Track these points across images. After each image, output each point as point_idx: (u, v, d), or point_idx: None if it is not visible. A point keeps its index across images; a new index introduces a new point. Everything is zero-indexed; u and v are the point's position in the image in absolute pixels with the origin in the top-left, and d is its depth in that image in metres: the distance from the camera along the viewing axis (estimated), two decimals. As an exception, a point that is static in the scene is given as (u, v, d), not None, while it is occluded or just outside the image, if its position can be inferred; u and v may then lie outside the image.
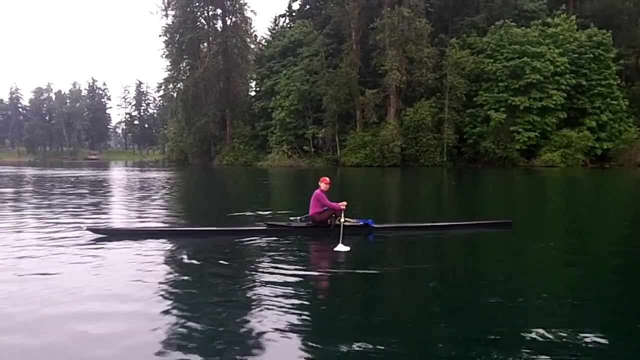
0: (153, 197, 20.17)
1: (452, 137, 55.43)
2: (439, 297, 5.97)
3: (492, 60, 54.84)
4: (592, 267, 7.71)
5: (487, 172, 42.65)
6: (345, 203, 9.85)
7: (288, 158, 61.33)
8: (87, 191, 22.95)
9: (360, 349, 4.21)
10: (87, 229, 9.80)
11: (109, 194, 22.69)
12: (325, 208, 9.87)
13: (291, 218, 10.60)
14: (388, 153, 54.84)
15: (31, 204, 16.80)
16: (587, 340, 4.41)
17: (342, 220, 9.47)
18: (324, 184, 10.06)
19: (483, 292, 6.05)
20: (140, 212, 14.45)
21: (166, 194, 22.90)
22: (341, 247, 8.25)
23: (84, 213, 13.77)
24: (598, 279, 7.02)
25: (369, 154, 56.28)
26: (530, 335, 4.47)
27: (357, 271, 7.09)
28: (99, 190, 24.38)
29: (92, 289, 5.98)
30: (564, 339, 4.41)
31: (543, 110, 52.48)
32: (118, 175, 43.15)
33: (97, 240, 9.14)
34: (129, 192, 23.16)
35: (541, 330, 4.54)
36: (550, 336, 4.44)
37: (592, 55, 53.94)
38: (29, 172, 47.24)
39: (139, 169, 60.00)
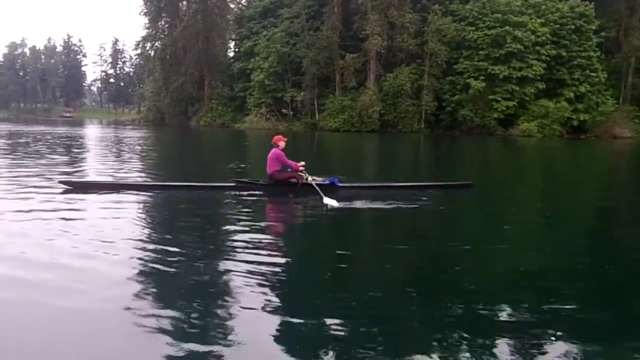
0: (129, 155, 20.05)
1: (430, 104, 55.44)
2: (403, 262, 5.90)
3: (473, 28, 54.56)
4: (557, 233, 7.95)
5: (464, 140, 42.93)
6: (303, 163, 9.98)
7: (266, 121, 60.76)
8: (62, 147, 22.68)
9: (325, 321, 3.99)
10: (60, 182, 9.78)
11: (84, 150, 22.47)
12: (288, 169, 9.93)
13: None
14: (367, 118, 54.72)
15: (3, 157, 16.58)
16: (556, 308, 4.36)
17: (310, 178, 9.67)
18: (282, 142, 10.09)
19: (445, 258, 6.13)
20: (114, 169, 14.41)
21: (142, 152, 22.75)
22: (330, 201, 8.53)
23: (57, 168, 13.67)
24: (563, 243, 7.22)
25: (348, 118, 56.09)
26: (496, 304, 4.38)
27: (322, 231, 7.17)
28: (74, 146, 24.11)
29: (59, 244, 5.83)
30: (530, 309, 4.36)
31: (522, 80, 52.66)
32: (94, 133, 42.54)
33: (68, 193, 9.11)
34: (105, 149, 22.93)
35: (507, 300, 4.51)
36: (516, 308, 4.34)
37: (573, 27, 53.95)
38: (2, 127, 46.28)
39: (114, 127, 59.17)
